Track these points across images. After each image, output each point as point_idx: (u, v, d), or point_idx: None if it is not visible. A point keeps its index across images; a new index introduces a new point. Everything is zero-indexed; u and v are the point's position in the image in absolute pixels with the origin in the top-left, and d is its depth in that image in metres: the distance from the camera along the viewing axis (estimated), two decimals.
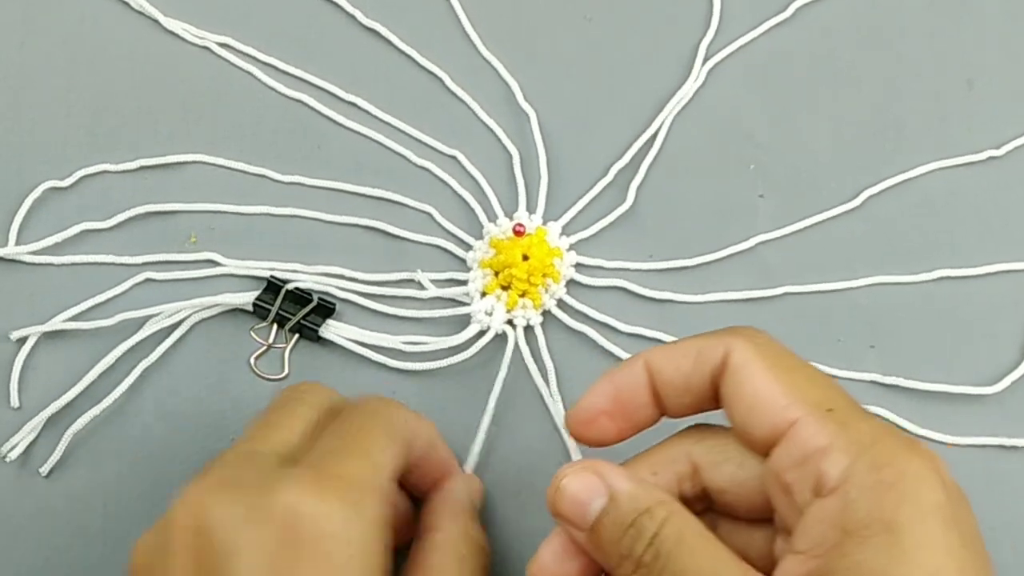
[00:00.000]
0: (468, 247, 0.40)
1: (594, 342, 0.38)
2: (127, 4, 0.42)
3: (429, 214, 0.40)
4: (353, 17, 0.42)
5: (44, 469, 0.37)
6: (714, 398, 0.29)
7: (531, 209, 0.40)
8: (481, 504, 0.35)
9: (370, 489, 0.28)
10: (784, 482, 0.27)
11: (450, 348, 0.38)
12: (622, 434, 0.31)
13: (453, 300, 0.39)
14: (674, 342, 0.30)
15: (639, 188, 0.40)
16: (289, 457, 0.29)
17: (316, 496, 0.27)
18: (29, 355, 0.38)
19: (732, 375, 0.28)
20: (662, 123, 0.41)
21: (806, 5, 0.42)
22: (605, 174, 0.40)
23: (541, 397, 0.38)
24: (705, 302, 0.39)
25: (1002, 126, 0.41)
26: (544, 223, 0.39)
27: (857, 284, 0.39)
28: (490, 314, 0.38)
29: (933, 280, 0.39)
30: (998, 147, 0.41)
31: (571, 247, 0.39)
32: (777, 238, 0.40)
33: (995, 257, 0.39)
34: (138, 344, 0.38)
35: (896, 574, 0.25)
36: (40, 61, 0.42)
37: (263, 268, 0.39)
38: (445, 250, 0.40)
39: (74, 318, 0.39)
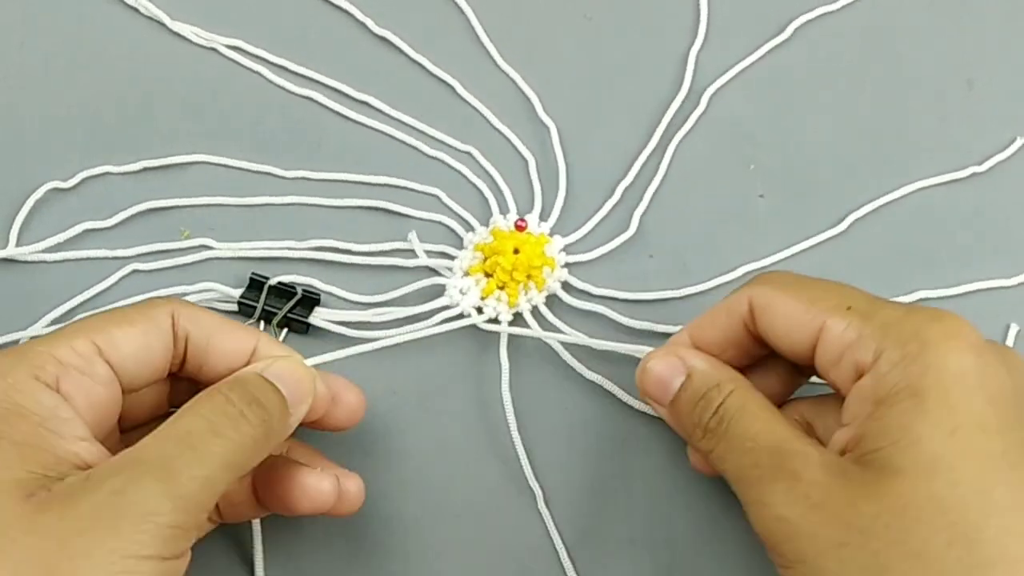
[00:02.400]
0: (471, 228, 0.40)
1: (556, 354, 0.38)
2: (127, 5, 0.42)
3: (437, 196, 0.40)
4: (364, 25, 0.42)
5: None
6: (757, 342, 0.33)
7: (544, 217, 0.40)
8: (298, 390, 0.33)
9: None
10: (831, 381, 0.31)
11: (413, 316, 0.38)
12: None
13: (436, 272, 0.39)
14: (705, 313, 0.34)
15: (644, 214, 0.40)
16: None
17: None
18: None
19: (760, 315, 0.32)
20: (665, 143, 0.41)
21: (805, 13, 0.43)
22: (611, 194, 0.40)
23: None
24: None
25: (1002, 126, 0.42)
26: (551, 234, 0.40)
27: None
28: (464, 293, 0.38)
29: (912, 302, 0.39)
30: (998, 150, 0.41)
31: (567, 264, 0.39)
32: (765, 266, 0.40)
33: (978, 273, 0.40)
34: None
35: (917, 430, 0.27)
36: (41, 62, 0.42)
37: (254, 248, 0.39)
38: (447, 227, 0.40)
39: (66, 314, 0.38)
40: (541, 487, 0.37)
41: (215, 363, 0.32)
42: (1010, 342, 0.39)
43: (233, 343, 0.32)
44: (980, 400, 0.27)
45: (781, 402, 0.34)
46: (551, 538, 0.36)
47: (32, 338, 0.37)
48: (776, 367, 0.34)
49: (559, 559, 0.36)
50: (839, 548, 0.27)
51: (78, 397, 0.29)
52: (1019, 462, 0.27)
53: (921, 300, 0.39)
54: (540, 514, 0.37)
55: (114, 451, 0.29)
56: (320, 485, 0.32)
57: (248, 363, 0.32)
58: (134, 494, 0.26)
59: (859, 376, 0.29)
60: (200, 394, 0.30)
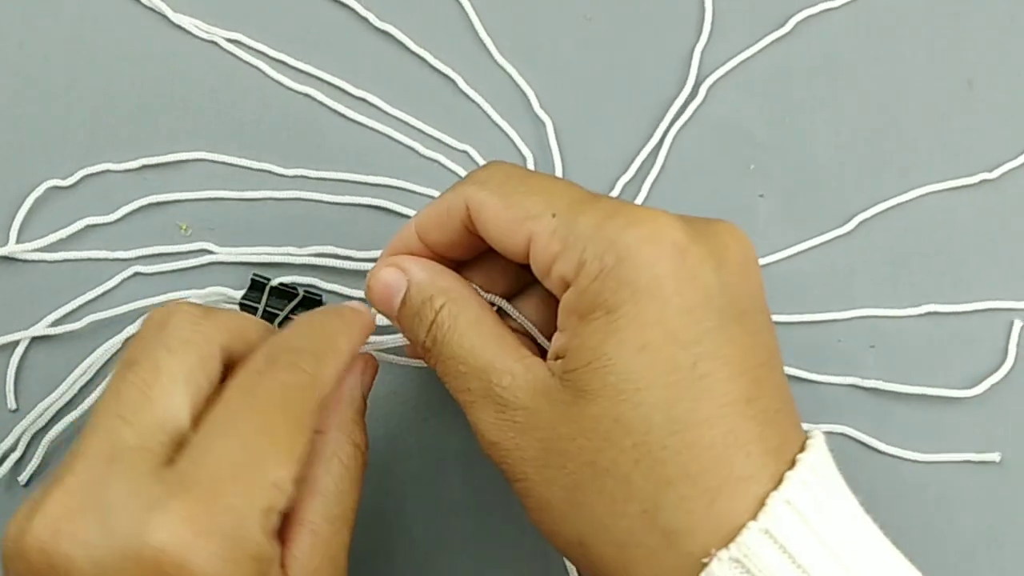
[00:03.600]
0: None
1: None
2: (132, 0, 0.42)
3: (434, 197, 0.40)
4: (366, 20, 0.42)
5: (23, 478, 0.37)
6: (483, 239, 0.31)
7: None
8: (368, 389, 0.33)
9: (255, 528, 0.26)
10: (549, 289, 0.29)
11: None
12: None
13: None
14: (429, 206, 0.32)
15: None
16: (169, 448, 0.26)
17: (193, 538, 0.24)
18: (23, 356, 0.38)
19: (475, 218, 0.30)
20: (664, 135, 0.41)
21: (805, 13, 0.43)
22: (612, 189, 0.40)
23: None
24: None
25: (1002, 127, 0.42)
26: None
27: (843, 316, 0.39)
28: None
29: (920, 315, 0.39)
30: (997, 150, 0.41)
31: None
32: (766, 264, 0.40)
33: (989, 278, 0.40)
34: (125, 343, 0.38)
35: (608, 350, 0.27)
36: (40, 57, 0.41)
37: (255, 253, 0.39)
38: None
39: (66, 316, 0.38)
40: None
41: None
42: (1013, 339, 0.39)
43: None
44: (673, 310, 0.27)
45: (516, 293, 0.33)
46: None
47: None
48: (506, 261, 0.31)
49: (562, 561, 0.36)
50: (544, 468, 0.28)
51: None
52: (710, 371, 0.27)
53: (928, 314, 0.39)
54: None
55: None
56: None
57: None
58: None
59: (567, 287, 0.28)
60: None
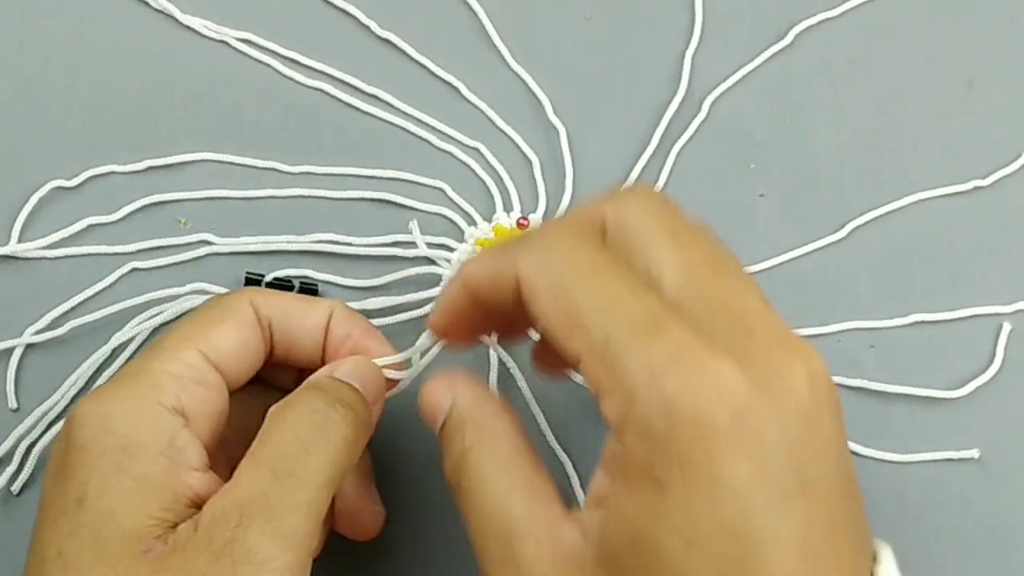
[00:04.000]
0: (473, 223, 0.40)
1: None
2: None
3: (442, 190, 0.40)
4: (368, 28, 0.42)
5: (15, 487, 0.37)
6: None
7: (548, 216, 0.40)
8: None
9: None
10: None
11: (407, 304, 0.39)
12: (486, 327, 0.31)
13: (435, 262, 0.39)
14: (486, 252, 0.29)
15: None
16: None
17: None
18: (23, 356, 0.38)
19: (528, 303, 0.26)
20: (661, 143, 0.41)
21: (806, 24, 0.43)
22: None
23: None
24: None
25: (1002, 127, 0.42)
26: None
27: (830, 330, 0.39)
28: None
29: (908, 324, 0.39)
30: (997, 151, 0.41)
31: None
32: (763, 269, 0.40)
33: (982, 282, 0.40)
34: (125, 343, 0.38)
35: (654, 535, 0.24)
36: (45, 56, 0.41)
37: (254, 243, 0.39)
38: (450, 220, 0.40)
39: (64, 315, 0.38)
40: None
41: (302, 343, 0.32)
42: (1002, 342, 0.39)
43: (311, 320, 0.32)
44: (727, 493, 0.23)
45: None
46: None
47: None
48: None
49: None
50: None
51: (199, 411, 0.29)
52: (763, 559, 0.23)
53: (917, 324, 0.39)
54: None
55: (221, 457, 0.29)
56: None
57: (325, 338, 0.32)
58: (243, 542, 0.26)
59: (610, 427, 0.25)
60: (280, 406, 0.30)
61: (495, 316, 0.29)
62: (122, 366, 0.37)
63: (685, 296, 0.25)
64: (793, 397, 0.24)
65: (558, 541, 0.25)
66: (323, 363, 0.33)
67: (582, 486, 0.37)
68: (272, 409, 0.30)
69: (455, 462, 0.28)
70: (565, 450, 0.38)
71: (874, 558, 0.26)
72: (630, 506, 0.24)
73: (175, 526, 0.27)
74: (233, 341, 0.30)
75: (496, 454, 0.27)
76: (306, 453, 0.28)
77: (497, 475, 0.27)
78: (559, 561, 0.25)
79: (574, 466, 0.38)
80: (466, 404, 0.28)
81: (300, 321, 0.32)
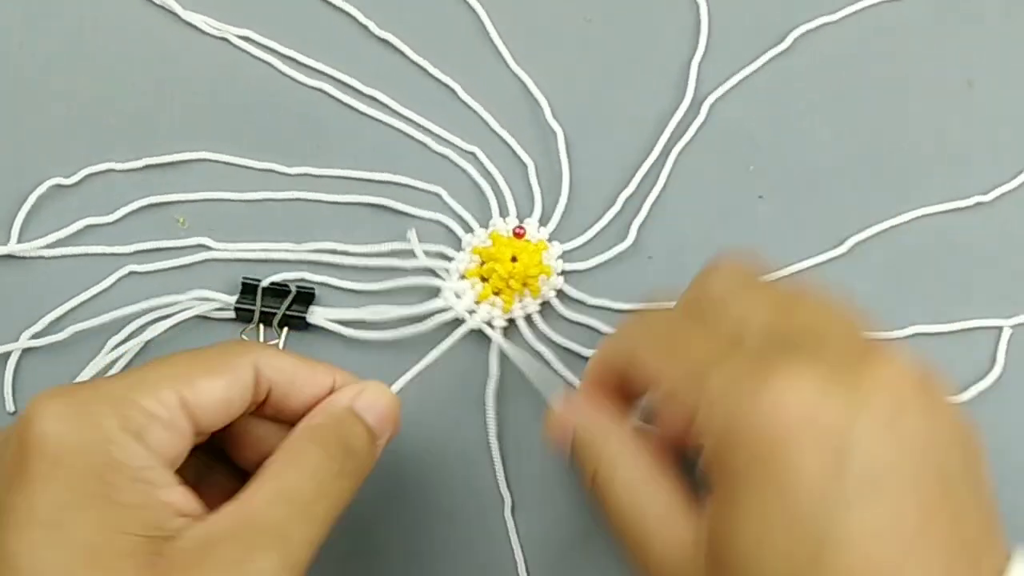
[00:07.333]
0: (470, 230, 0.40)
1: (546, 362, 0.38)
2: None
3: (438, 195, 0.40)
4: (366, 28, 0.42)
5: None
6: None
7: (544, 222, 0.40)
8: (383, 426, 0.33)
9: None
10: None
11: (409, 318, 0.38)
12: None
13: (433, 272, 0.39)
14: (608, 339, 0.33)
15: (642, 225, 0.40)
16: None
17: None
18: (20, 359, 0.38)
19: (631, 372, 0.30)
20: (664, 149, 0.41)
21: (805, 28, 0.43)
22: (613, 202, 0.40)
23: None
24: None
25: (1002, 127, 0.42)
26: (549, 240, 0.40)
27: None
28: (459, 296, 0.38)
29: (907, 336, 0.39)
30: (998, 156, 0.41)
31: (564, 272, 0.39)
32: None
33: (982, 297, 0.40)
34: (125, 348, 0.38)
35: (726, 530, 0.26)
36: (44, 54, 0.42)
37: (252, 250, 0.39)
38: (447, 228, 0.40)
39: (64, 316, 0.39)
40: (513, 495, 0.37)
41: (294, 406, 0.32)
42: (1002, 348, 0.39)
43: (311, 390, 0.32)
44: (790, 500, 0.25)
45: None
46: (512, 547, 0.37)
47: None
48: None
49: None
50: None
51: (159, 450, 0.29)
52: (832, 564, 0.24)
53: (914, 335, 0.39)
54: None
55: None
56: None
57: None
58: (254, 563, 0.27)
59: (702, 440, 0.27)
60: (298, 443, 0.30)
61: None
62: (108, 376, 0.37)
63: (766, 335, 0.28)
64: (866, 398, 0.25)
65: (683, 548, 0.28)
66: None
67: None
68: (295, 440, 0.31)
69: (588, 480, 0.31)
70: None
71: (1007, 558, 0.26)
72: (713, 509, 0.27)
73: (172, 540, 0.27)
74: (217, 397, 0.30)
75: (624, 463, 0.30)
76: (321, 497, 0.29)
77: (628, 483, 0.30)
78: (680, 569, 0.28)
79: None
80: (587, 423, 0.31)
81: (300, 390, 0.32)
